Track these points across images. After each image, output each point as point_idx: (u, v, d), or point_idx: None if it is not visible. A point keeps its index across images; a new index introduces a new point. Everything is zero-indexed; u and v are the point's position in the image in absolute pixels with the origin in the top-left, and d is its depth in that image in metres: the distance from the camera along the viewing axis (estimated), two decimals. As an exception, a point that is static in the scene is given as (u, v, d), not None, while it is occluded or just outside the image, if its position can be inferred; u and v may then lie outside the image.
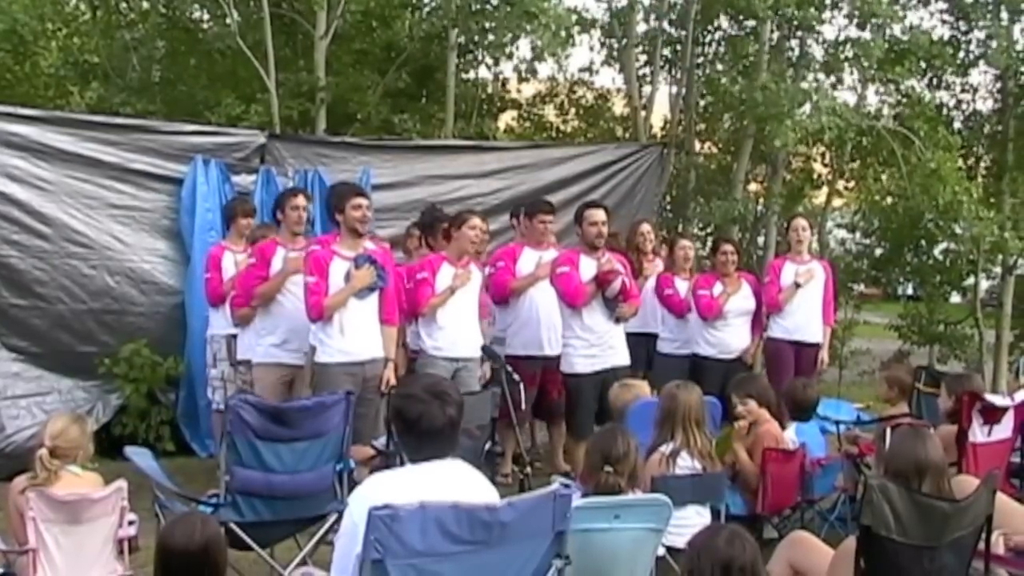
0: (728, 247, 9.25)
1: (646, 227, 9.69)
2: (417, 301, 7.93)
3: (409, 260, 8.87)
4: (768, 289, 9.14)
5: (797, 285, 9.05)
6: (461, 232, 8.04)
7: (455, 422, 3.86)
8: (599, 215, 8.40)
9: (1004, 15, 13.08)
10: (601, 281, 8.10)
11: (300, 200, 7.80)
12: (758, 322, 9.26)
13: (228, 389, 8.15)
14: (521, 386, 6.76)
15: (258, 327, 7.79)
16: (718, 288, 9.07)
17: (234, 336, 8.21)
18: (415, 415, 3.81)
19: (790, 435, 7.03)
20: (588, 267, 8.22)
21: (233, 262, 8.32)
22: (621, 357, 8.34)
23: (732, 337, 9.09)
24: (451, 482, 3.80)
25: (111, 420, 9.16)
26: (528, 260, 8.69)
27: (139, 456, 5.87)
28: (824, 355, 9.34)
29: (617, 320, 8.33)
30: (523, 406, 6.77)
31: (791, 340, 9.08)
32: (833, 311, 9.74)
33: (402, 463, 4.00)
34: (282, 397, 7.30)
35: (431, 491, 3.64)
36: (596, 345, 8.21)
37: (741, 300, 9.13)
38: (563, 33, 11.26)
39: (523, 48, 13.98)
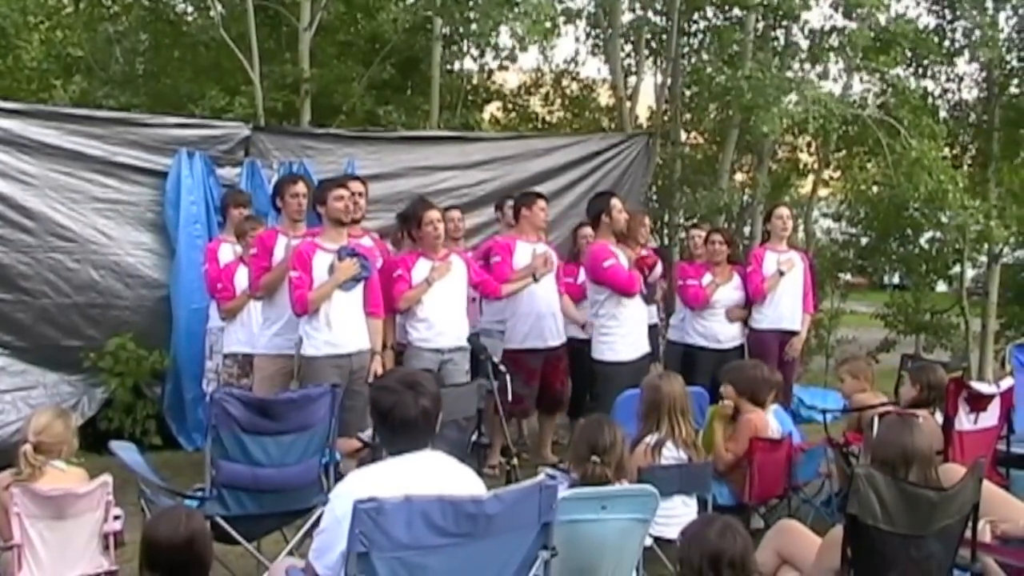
0: (717, 237, 9.24)
1: (647, 219, 9.67)
2: (393, 298, 7.92)
3: (398, 252, 8.84)
4: (751, 278, 9.09)
5: (781, 273, 9.05)
6: (421, 229, 8.04)
7: (429, 413, 3.86)
8: (621, 203, 8.39)
9: (989, 4, 13.08)
10: (641, 267, 8.08)
11: (300, 187, 7.72)
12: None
13: (221, 381, 8.15)
14: (508, 377, 6.74)
15: (261, 317, 7.76)
16: (707, 278, 9.08)
17: (228, 329, 8.22)
18: (388, 406, 3.83)
19: (772, 422, 7.01)
20: (623, 256, 8.19)
21: (232, 253, 8.31)
22: (648, 344, 8.39)
23: (721, 327, 9.09)
24: (433, 473, 3.80)
25: (96, 414, 9.14)
26: (523, 253, 8.68)
27: (124, 450, 5.86)
28: (799, 342, 9.31)
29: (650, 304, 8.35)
30: (510, 397, 6.74)
31: (777, 330, 9.07)
32: (814, 300, 9.74)
33: (386, 457, 3.99)
34: (284, 388, 7.25)
35: (414, 483, 3.64)
36: (634, 334, 8.18)
37: (731, 291, 9.12)
38: (546, 22, 11.22)
39: (505, 37, 13.95)
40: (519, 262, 8.62)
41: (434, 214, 8.07)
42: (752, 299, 9.08)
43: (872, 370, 7.98)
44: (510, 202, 9.25)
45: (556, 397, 8.94)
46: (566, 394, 9.04)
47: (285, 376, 7.48)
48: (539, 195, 9.08)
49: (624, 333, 8.14)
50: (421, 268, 7.98)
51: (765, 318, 9.07)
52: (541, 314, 8.61)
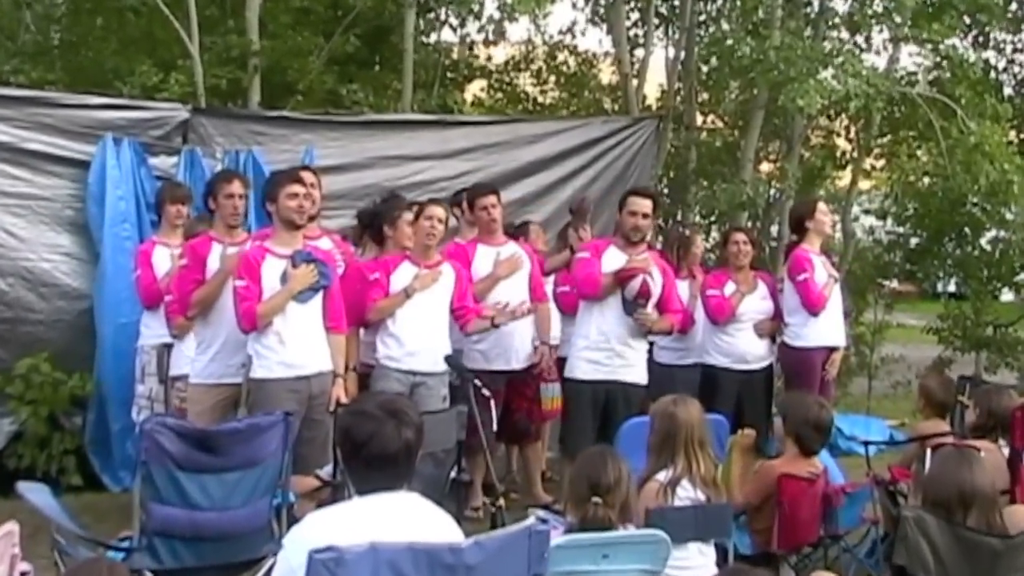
0: (740, 236, 9.25)
1: None
2: (364, 306, 7.90)
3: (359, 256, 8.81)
4: (808, 287, 8.95)
5: (835, 279, 9.07)
6: (418, 224, 8.01)
7: (412, 447, 3.83)
8: (642, 204, 8.22)
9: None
10: (621, 279, 8.04)
11: (236, 186, 7.69)
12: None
13: (155, 409, 8.09)
14: (492, 403, 6.72)
15: (194, 340, 7.71)
16: (730, 287, 9.07)
17: (168, 346, 8.16)
18: (365, 436, 3.78)
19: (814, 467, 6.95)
20: (614, 260, 8.14)
21: (168, 257, 8.27)
22: (634, 373, 8.21)
23: (748, 344, 9.09)
24: (405, 518, 3.77)
25: (4, 450, 9.08)
26: (484, 259, 8.65)
27: (35, 492, 5.80)
28: (839, 357, 9.33)
29: (647, 332, 8.25)
30: (495, 426, 6.73)
31: (822, 347, 9.06)
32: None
33: (351, 496, 3.96)
34: (223, 422, 7.20)
35: (381, 529, 3.61)
36: (602, 350, 8.11)
37: (757, 301, 9.14)
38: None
39: (491, 5, 14.00)
40: (479, 271, 8.61)
41: (438, 211, 8.03)
42: (813, 312, 8.97)
43: (948, 393, 7.93)
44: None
45: (518, 426, 8.92)
46: (532, 423, 9.03)
47: (225, 408, 7.46)
48: (487, 190, 8.94)
49: (582, 346, 8.19)
50: (403, 274, 7.93)
51: (808, 334, 9.02)
52: (504, 332, 8.57)
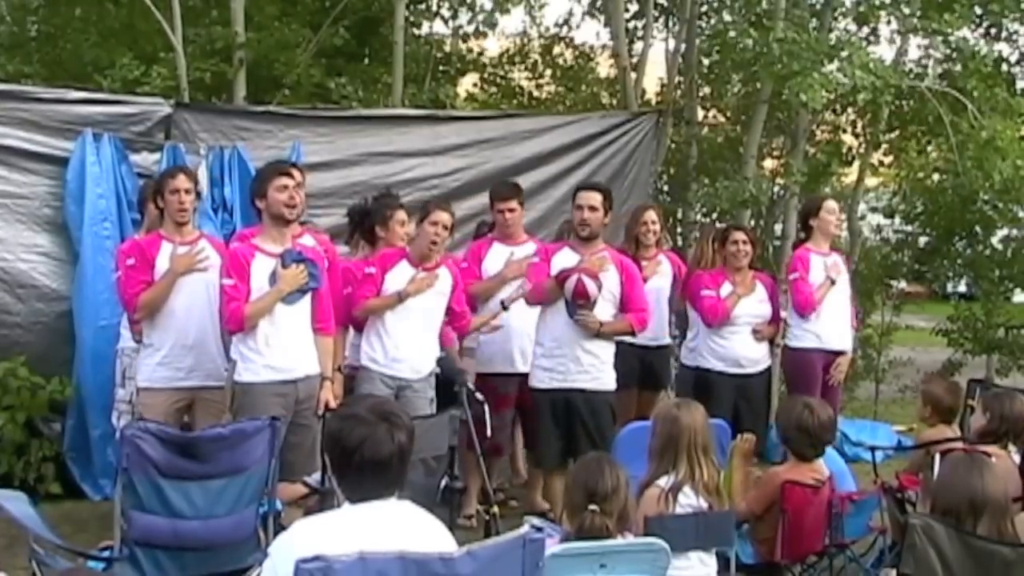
0: (740, 236, 9.18)
1: (651, 214, 9.60)
2: (353, 302, 7.90)
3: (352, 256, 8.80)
4: (798, 287, 9.07)
5: (832, 281, 9.08)
6: (423, 228, 7.99)
7: (405, 452, 3.82)
8: (587, 197, 8.18)
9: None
10: (559, 281, 8.00)
11: (180, 181, 7.64)
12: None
13: (136, 415, 8.09)
14: (486, 407, 6.71)
15: (144, 342, 7.72)
16: (726, 288, 9.05)
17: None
18: (357, 440, 3.77)
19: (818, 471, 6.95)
20: (567, 261, 8.11)
21: None
22: (595, 380, 8.13)
23: (744, 348, 9.06)
24: (395, 527, 3.77)
25: (-22, 457, 9.08)
26: (496, 257, 8.69)
27: (12, 501, 5.80)
28: (846, 363, 9.35)
29: (595, 335, 8.10)
30: (489, 431, 6.71)
31: (823, 349, 9.11)
32: (856, 312, 9.76)
33: (340, 504, 3.95)
34: (178, 425, 7.23)
35: (371, 538, 3.61)
36: (555, 357, 8.09)
37: (754, 304, 9.10)
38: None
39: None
40: (489, 269, 8.66)
41: (444, 216, 7.96)
42: (801, 313, 9.04)
43: (956, 399, 7.91)
44: None
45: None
46: None
47: (179, 412, 7.52)
48: (506, 194, 8.95)
49: (538, 353, 8.22)
50: (400, 274, 7.90)
51: (807, 335, 9.07)
52: (514, 333, 8.58)
